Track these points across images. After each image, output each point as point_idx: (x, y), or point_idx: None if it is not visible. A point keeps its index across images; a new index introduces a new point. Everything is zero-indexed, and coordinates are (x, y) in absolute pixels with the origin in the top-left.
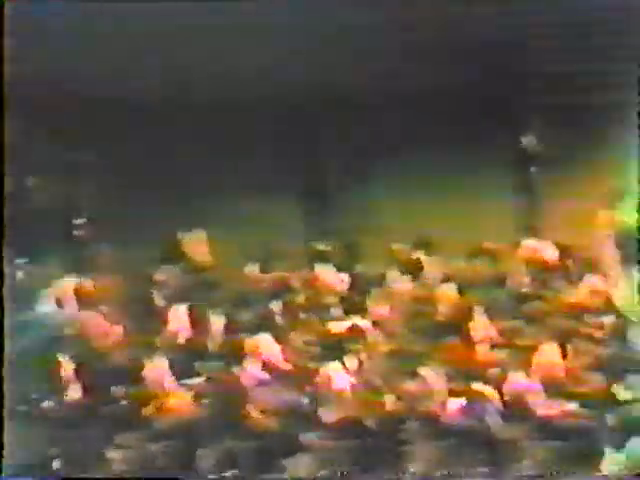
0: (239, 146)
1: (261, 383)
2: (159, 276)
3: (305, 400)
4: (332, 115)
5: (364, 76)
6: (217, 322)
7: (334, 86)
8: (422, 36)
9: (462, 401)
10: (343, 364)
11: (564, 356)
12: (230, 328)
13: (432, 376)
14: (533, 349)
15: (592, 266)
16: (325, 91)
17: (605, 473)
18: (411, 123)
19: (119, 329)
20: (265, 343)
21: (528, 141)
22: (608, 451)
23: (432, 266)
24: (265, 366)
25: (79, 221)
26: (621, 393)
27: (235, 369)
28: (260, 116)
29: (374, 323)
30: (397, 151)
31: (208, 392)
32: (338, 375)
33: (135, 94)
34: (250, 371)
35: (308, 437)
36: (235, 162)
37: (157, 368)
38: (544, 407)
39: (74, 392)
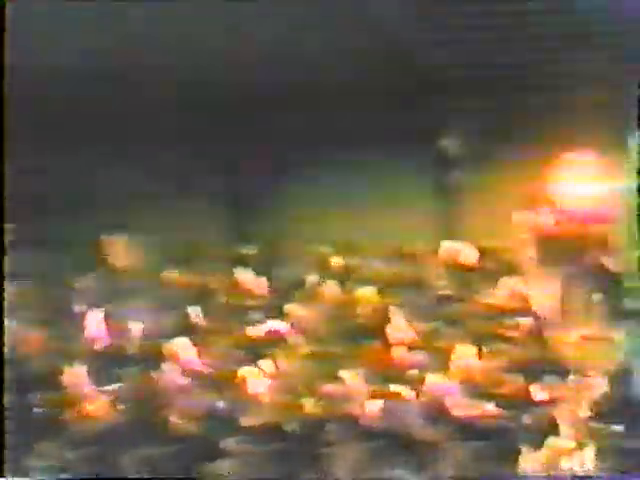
0: (159, 147)
1: (180, 388)
2: (78, 281)
3: (224, 405)
4: (252, 115)
5: (284, 75)
6: (136, 327)
7: (253, 85)
8: (340, 35)
9: (381, 403)
10: (261, 368)
11: (482, 357)
12: (149, 333)
13: (352, 378)
14: (451, 351)
15: (511, 268)
16: (244, 91)
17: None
18: (332, 124)
19: (38, 335)
20: (184, 347)
21: (447, 143)
22: (525, 450)
23: (352, 269)
24: (184, 371)
25: None
26: (538, 393)
27: (154, 374)
28: (180, 117)
29: (293, 326)
30: (317, 152)
31: (127, 397)
32: (256, 379)
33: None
34: (169, 376)
35: (228, 442)
36: (156, 163)
37: (76, 374)
38: (462, 408)
39: None
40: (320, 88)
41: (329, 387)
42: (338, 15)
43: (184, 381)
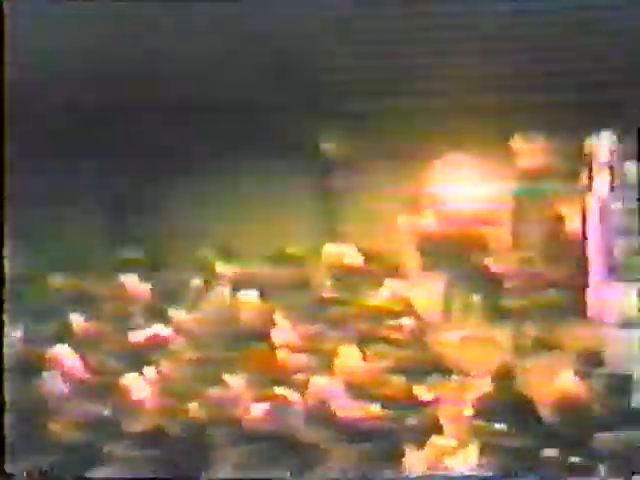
0: (42, 149)
1: (63, 395)
2: None
3: (108, 411)
4: (138, 118)
5: (171, 78)
6: (17, 334)
7: (138, 87)
8: (212, 43)
9: (266, 406)
10: (145, 374)
11: (366, 359)
12: (30, 340)
13: (236, 382)
14: (336, 353)
15: (394, 270)
16: (130, 93)
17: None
18: (218, 127)
19: None
20: (66, 354)
21: (330, 146)
22: (409, 450)
23: (235, 272)
24: (66, 378)
25: None
26: (422, 394)
27: (35, 382)
28: (64, 117)
29: (177, 331)
30: (203, 156)
31: (8, 406)
32: (139, 385)
33: None
34: (51, 383)
35: (112, 448)
36: (39, 166)
37: None
38: (347, 410)
39: None
40: (207, 91)
41: (213, 391)
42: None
43: (66, 388)
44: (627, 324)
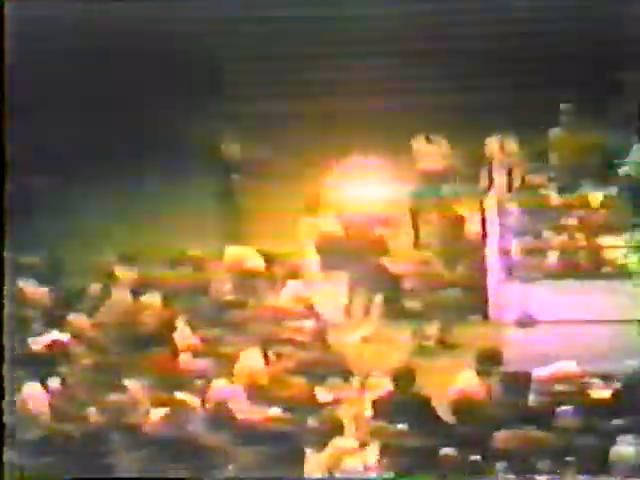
0: None
1: None
2: None
3: (7, 419)
4: (29, 118)
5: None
6: None
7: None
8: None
9: (165, 410)
10: (43, 380)
11: (267, 362)
12: None
13: (136, 387)
14: (236, 356)
15: (295, 272)
16: (31, 92)
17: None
18: (121, 128)
19: None
20: None
21: (232, 148)
22: (310, 452)
23: (136, 276)
24: None
25: None
26: (323, 395)
27: None
28: None
29: (77, 336)
30: (102, 158)
31: None
32: (37, 392)
33: None
34: None
35: (9, 455)
36: None
37: None
38: (247, 413)
39: None
40: (109, 91)
41: (113, 396)
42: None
43: None
44: (525, 323)
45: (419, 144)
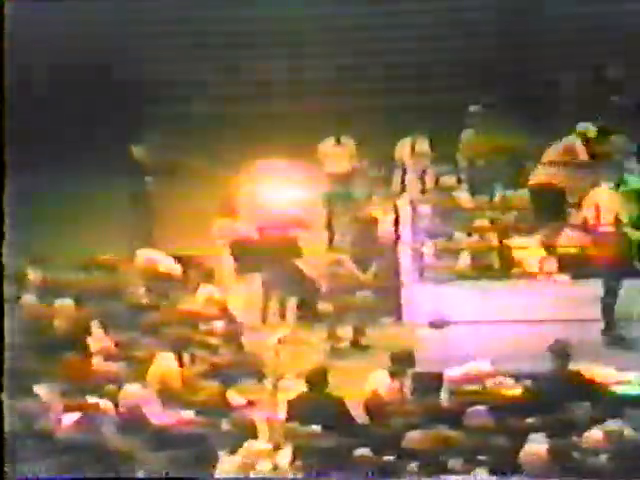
0: None
1: None
2: None
3: None
4: None
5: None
6: None
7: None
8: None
9: (78, 415)
10: None
11: (181, 365)
12: None
13: (47, 392)
14: (150, 360)
15: (209, 275)
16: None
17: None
18: (32, 127)
19: None
20: None
21: (141, 151)
22: (222, 455)
23: (48, 280)
24: None
25: None
26: (235, 398)
27: None
28: None
29: None
30: (18, 156)
31: None
32: None
33: None
34: None
35: None
36: None
37: None
38: (160, 417)
39: None
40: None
41: (25, 402)
42: None
43: None
44: (437, 324)
45: (326, 147)
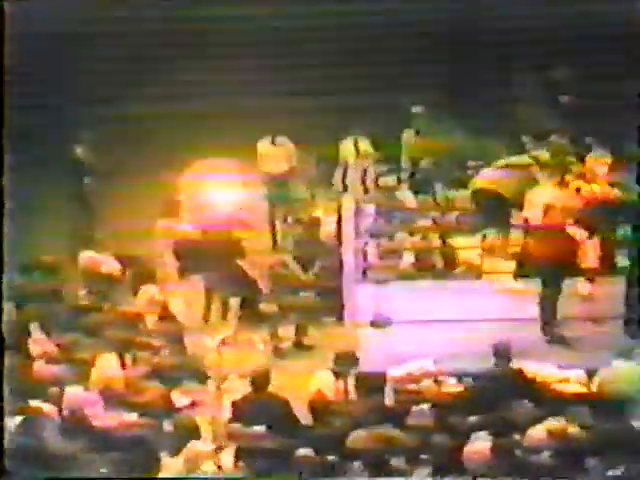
0: None
1: None
2: None
3: None
4: None
5: None
6: None
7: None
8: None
9: (19, 420)
10: None
11: (123, 366)
12: None
13: None
14: (92, 362)
15: (151, 276)
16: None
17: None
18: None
19: None
20: None
21: (86, 151)
22: (165, 457)
23: None
24: None
25: None
26: (179, 399)
27: None
28: None
29: None
30: None
31: None
32: None
33: None
34: None
35: None
36: None
37: None
38: (103, 419)
39: None
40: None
41: None
42: None
43: None
44: (380, 324)
45: (263, 147)
